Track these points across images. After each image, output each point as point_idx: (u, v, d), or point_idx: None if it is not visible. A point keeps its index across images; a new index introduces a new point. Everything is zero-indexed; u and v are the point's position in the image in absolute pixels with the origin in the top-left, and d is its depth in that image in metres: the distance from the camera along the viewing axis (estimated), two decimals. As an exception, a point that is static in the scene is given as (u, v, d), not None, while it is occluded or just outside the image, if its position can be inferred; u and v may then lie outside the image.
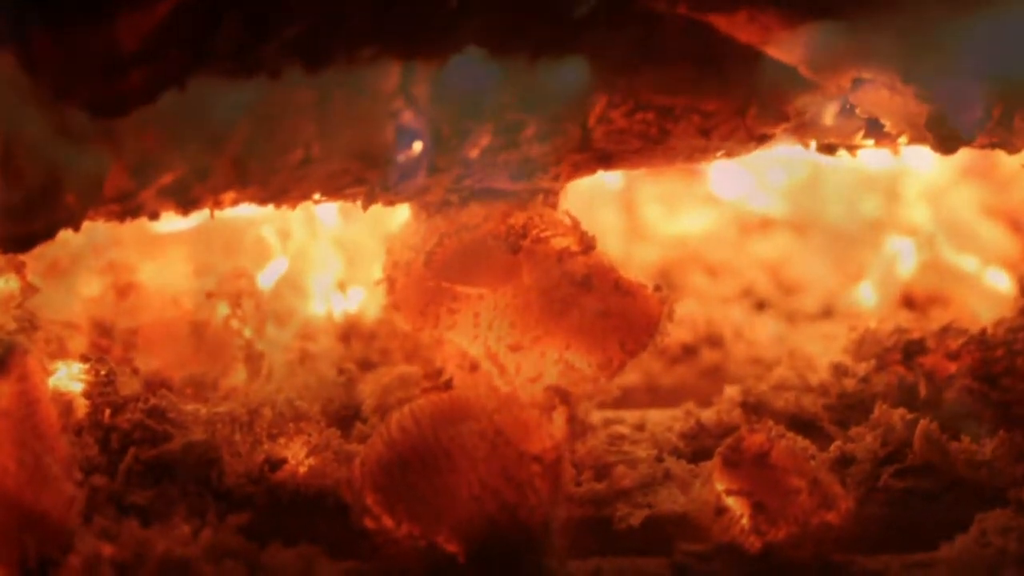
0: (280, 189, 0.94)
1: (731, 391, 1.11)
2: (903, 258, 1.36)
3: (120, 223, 0.94)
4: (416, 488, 0.90)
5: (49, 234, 0.90)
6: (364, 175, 0.94)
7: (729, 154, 1.00)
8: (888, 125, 0.97)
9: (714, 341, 1.24)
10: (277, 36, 0.88)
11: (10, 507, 0.87)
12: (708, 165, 1.42)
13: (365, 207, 0.98)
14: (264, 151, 0.91)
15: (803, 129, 1.00)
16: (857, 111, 0.98)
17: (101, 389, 0.98)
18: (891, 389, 1.08)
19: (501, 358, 1.00)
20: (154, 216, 0.93)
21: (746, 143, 0.99)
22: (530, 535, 0.90)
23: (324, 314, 1.20)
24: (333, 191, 0.96)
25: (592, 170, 1.00)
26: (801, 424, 1.07)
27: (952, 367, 1.08)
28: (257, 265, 1.17)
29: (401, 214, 1.04)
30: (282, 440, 0.98)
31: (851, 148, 1.02)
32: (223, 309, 1.12)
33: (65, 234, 0.90)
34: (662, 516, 0.97)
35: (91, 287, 1.13)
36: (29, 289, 1.01)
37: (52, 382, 0.98)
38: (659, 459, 1.02)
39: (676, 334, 1.17)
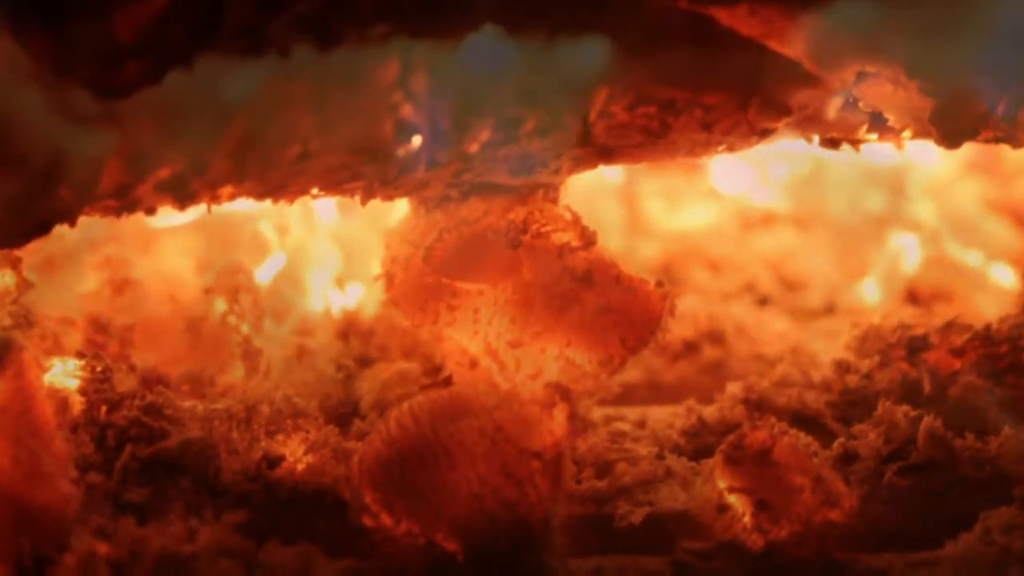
0: (278, 184, 0.94)
1: (733, 388, 1.11)
2: (907, 253, 1.36)
3: (117, 218, 0.94)
4: (415, 485, 0.90)
5: (45, 229, 0.89)
6: (362, 169, 0.94)
7: (731, 148, 1.00)
8: (892, 119, 0.97)
9: (716, 337, 1.24)
10: (287, 12, 0.88)
11: (5, 505, 0.87)
12: (710, 159, 1.42)
13: (364, 202, 0.97)
14: (262, 145, 0.90)
15: (806, 123, 1.00)
16: (860, 105, 0.97)
17: (97, 386, 0.98)
18: (895, 386, 1.08)
19: (501, 354, 1.00)
20: (151, 211, 0.93)
21: (748, 137, 0.99)
22: (530, 533, 0.90)
23: (322, 310, 1.20)
24: (331, 186, 0.96)
25: (593, 164, 1.00)
26: (804, 421, 1.07)
27: (956, 363, 1.08)
28: (255, 260, 1.17)
29: (400, 209, 1.04)
30: (280, 437, 0.98)
31: (854, 142, 1.02)
32: (220, 305, 1.12)
33: (61, 229, 0.90)
34: (663, 514, 0.97)
35: (87, 283, 1.13)
36: (24, 285, 1.00)
37: (47, 378, 0.98)
38: (660, 456, 1.02)
39: (678, 330, 1.17)
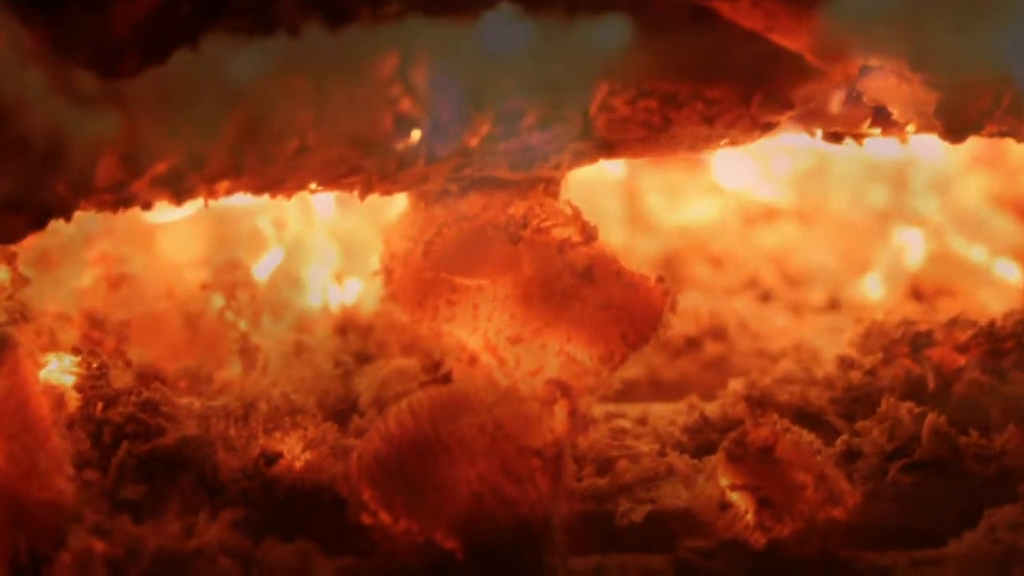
0: (276, 178, 0.94)
1: (735, 384, 1.11)
2: (911, 249, 1.36)
3: (113, 213, 0.93)
4: (414, 483, 0.90)
5: (41, 223, 0.88)
6: (361, 163, 0.94)
7: (733, 142, 1.00)
8: (896, 113, 0.97)
9: (718, 333, 1.24)
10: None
11: (0, 503, 0.86)
12: (712, 154, 1.43)
13: (362, 196, 0.97)
14: (259, 139, 0.90)
15: (809, 117, 1.00)
16: (864, 99, 0.97)
17: (93, 382, 0.98)
18: (898, 382, 1.08)
19: (501, 351, 0.99)
20: (147, 206, 0.92)
21: (751, 131, 0.99)
22: (530, 531, 0.89)
23: (320, 306, 1.20)
24: (329, 180, 0.96)
25: (594, 159, 1.00)
26: (807, 418, 1.07)
27: (961, 360, 1.07)
28: (252, 256, 1.17)
29: (399, 204, 1.04)
30: (278, 434, 0.98)
31: (858, 137, 1.02)
32: (218, 301, 1.12)
33: (57, 224, 0.89)
34: (665, 512, 0.96)
35: (83, 278, 1.13)
36: (20, 280, 1.00)
37: (43, 375, 0.98)
38: (662, 454, 1.02)
39: (679, 326, 1.15)
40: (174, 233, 1.17)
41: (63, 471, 0.90)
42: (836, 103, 0.98)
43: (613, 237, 1.27)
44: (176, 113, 0.87)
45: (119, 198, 0.91)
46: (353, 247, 1.23)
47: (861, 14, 0.91)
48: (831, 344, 1.18)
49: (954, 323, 1.09)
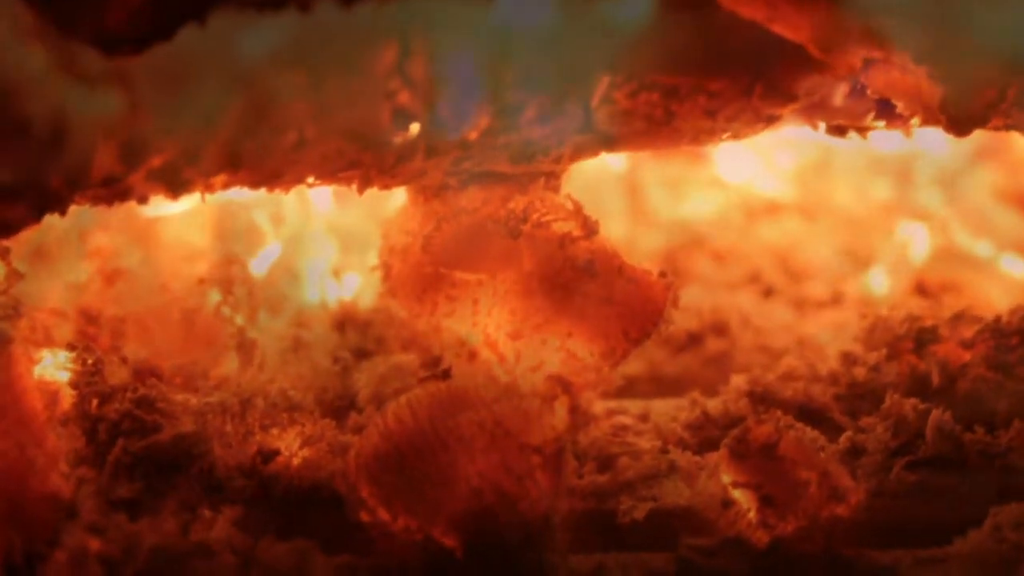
0: (273, 172, 0.94)
1: (738, 381, 1.10)
2: (915, 243, 1.36)
3: (108, 207, 0.93)
4: (413, 481, 0.90)
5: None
6: (359, 157, 0.93)
7: (736, 136, 1.00)
8: (900, 106, 0.96)
9: (720, 329, 1.24)
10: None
11: (-6, 500, 0.87)
12: (714, 147, 1.43)
13: (360, 191, 0.97)
14: (256, 132, 0.89)
15: (812, 110, 0.99)
16: (868, 91, 0.97)
17: (88, 378, 0.98)
18: (903, 378, 1.07)
19: (501, 346, 0.99)
20: (143, 200, 0.92)
21: (753, 124, 0.99)
22: (530, 529, 0.89)
23: (318, 301, 1.19)
24: (327, 174, 0.95)
25: (595, 152, 0.99)
26: (810, 414, 1.07)
27: (966, 356, 1.07)
28: (249, 251, 1.17)
29: (398, 198, 1.04)
30: (275, 431, 0.98)
31: (861, 130, 1.02)
32: (214, 296, 1.12)
33: (51, 219, 0.89)
34: (667, 509, 0.96)
35: (78, 273, 1.13)
36: (14, 275, 1.00)
37: (38, 371, 0.98)
38: (664, 451, 1.01)
39: (681, 322, 1.17)
40: (170, 228, 1.17)
41: (58, 468, 0.90)
42: (839, 96, 0.98)
43: (614, 231, 1.27)
44: (181, 92, 0.86)
45: (114, 192, 0.91)
46: (351, 241, 1.23)
47: (865, 5, 0.90)
48: (835, 340, 1.18)
49: (959, 319, 1.09)
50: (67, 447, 0.94)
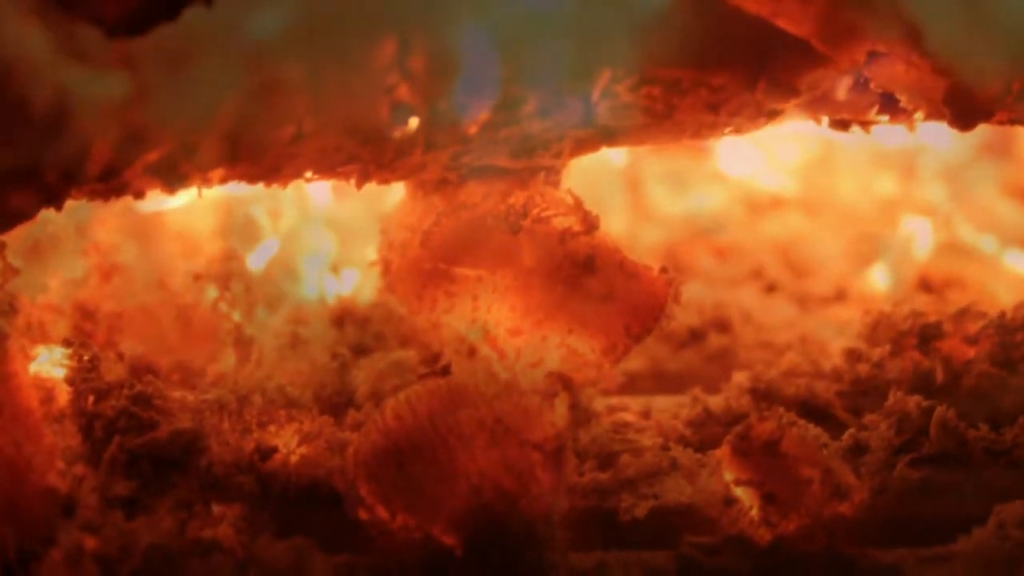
0: (271, 167, 0.93)
1: (740, 377, 1.10)
2: (919, 239, 1.36)
3: (104, 202, 0.93)
4: (412, 478, 0.89)
5: (31, 213, 0.88)
6: (358, 152, 0.93)
7: (738, 130, 1.00)
8: (904, 100, 0.96)
9: (722, 325, 1.24)
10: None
11: (-11, 499, 0.87)
12: (716, 142, 1.44)
13: (359, 185, 0.97)
14: (254, 126, 0.89)
15: (815, 104, 0.99)
16: (871, 85, 0.97)
17: (84, 375, 0.97)
18: (906, 375, 1.07)
19: (501, 343, 0.99)
20: (140, 195, 0.92)
21: (756, 119, 0.99)
22: (531, 527, 0.89)
23: (316, 297, 1.20)
24: (326, 169, 0.95)
25: (596, 147, 0.99)
26: (813, 411, 1.07)
27: (970, 352, 1.07)
28: (247, 246, 1.17)
29: (396, 193, 1.03)
30: (273, 428, 0.98)
31: (865, 124, 1.01)
32: (211, 292, 1.12)
33: (47, 214, 0.89)
34: (668, 507, 0.96)
35: (74, 269, 1.12)
36: (9, 271, 0.99)
37: (33, 368, 0.97)
38: (665, 448, 1.01)
39: (683, 318, 1.16)
40: (168, 223, 1.17)
41: (53, 466, 0.90)
42: (843, 90, 0.99)
43: (615, 227, 1.27)
44: (186, 73, 0.85)
45: (110, 187, 0.90)
46: (350, 237, 1.24)
47: (869, -1, 0.90)
48: (838, 336, 1.18)
49: (963, 314, 1.09)
50: (63, 444, 0.93)
